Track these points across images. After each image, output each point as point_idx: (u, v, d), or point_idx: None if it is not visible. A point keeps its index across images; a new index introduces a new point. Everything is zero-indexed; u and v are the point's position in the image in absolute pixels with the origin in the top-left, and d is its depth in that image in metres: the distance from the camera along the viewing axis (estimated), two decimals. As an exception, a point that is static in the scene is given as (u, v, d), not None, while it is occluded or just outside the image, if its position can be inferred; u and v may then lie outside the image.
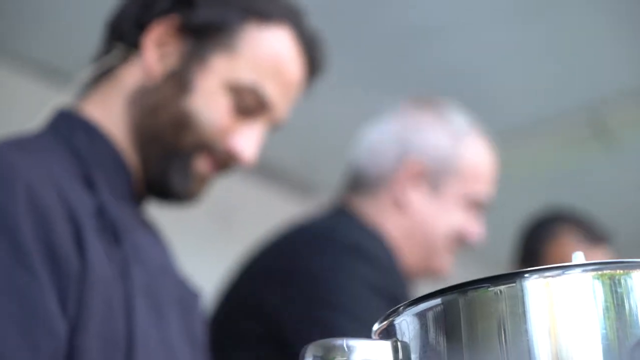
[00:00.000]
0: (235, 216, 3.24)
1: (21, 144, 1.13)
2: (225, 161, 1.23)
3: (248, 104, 1.21)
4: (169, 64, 1.21)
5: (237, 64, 1.21)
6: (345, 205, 1.69)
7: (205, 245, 3.06)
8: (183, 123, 1.19)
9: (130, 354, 1.05)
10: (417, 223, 1.68)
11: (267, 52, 1.23)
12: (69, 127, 1.19)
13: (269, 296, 1.47)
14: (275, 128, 1.28)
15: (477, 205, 1.72)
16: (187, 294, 1.24)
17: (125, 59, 1.23)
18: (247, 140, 1.22)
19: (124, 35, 1.23)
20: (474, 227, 1.72)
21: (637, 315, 0.55)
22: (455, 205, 1.70)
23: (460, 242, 1.72)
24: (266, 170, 3.24)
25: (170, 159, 1.20)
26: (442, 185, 1.69)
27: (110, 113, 1.21)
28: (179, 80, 1.20)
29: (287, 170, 3.36)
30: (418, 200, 1.68)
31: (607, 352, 0.53)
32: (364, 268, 1.48)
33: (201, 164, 1.21)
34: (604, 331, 0.54)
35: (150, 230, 1.25)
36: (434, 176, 1.69)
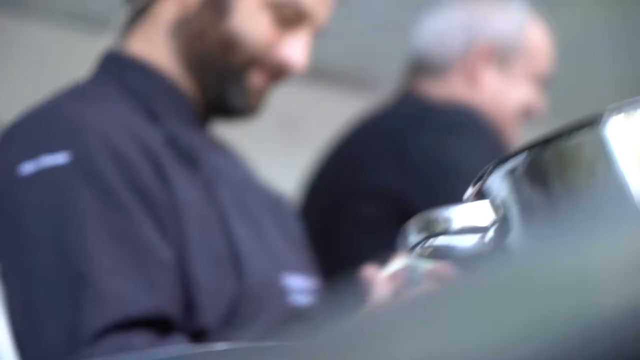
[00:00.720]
0: (300, 125, 3.27)
1: (80, 93, 1.17)
2: (278, 73, 1.25)
3: (288, 16, 1.23)
4: None
5: None
6: (412, 91, 1.76)
7: (273, 155, 3.10)
8: (229, 44, 1.21)
9: (237, 265, 1.10)
10: (489, 99, 1.76)
11: None
12: (120, 68, 1.23)
13: (386, 178, 1.56)
14: (319, 34, 1.30)
15: (540, 81, 1.82)
16: (274, 199, 1.28)
17: None
18: (295, 49, 1.24)
19: None
20: (538, 100, 1.82)
21: None
22: (522, 81, 1.79)
23: (526, 115, 1.81)
24: (322, 74, 3.24)
25: (225, 79, 1.23)
26: (511, 63, 1.78)
27: (156, 47, 1.24)
28: (217, 4, 1.21)
29: (342, 71, 3.35)
30: (489, 77, 1.77)
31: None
32: (471, 143, 1.57)
33: (256, 79, 1.24)
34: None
35: (223, 149, 1.29)
36: (503, 56, 1.78)
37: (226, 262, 1.10)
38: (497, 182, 0.59)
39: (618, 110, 0.56)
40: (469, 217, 0.59)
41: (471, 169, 1.49)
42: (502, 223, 0.58)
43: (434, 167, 1.53)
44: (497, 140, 1.61)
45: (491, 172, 0.59)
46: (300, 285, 1.19)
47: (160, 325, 1.00)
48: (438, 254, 0.59)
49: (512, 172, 0.58)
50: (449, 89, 1.74)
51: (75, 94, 1.17)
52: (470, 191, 0.61)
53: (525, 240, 0.56)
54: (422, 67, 1.78)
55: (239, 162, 1.31)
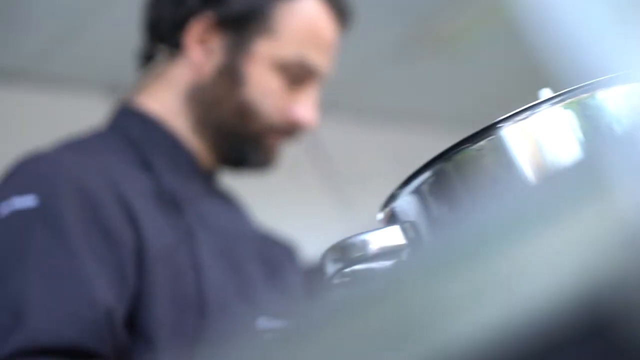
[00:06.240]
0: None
1: (75, 142, 1.25)
2: (291, 132, 1.31)
3: (298, 75, 1.28)
4: (216, 59, 1.28)
5: (278, 44, 1.27)
6: None
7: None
8: (245, 113, 1.27)
9: (202, 310, 1.14)
10: None
11: (303, 23, 1.29)
12: (125, 119, 1.30)
13: None
14: (324, 82, 1.35)
15: None
16: (268, 249, 1.33)
17: (170, 58, 1.31)
18: (307, 108, 1.30)
19: (163, 37, 1.31)
20: None
21: (612, 131, 0.57)
22: None
23: None
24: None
25: (242, 143, 1.30)
26: None
27: (167, 105, 1.30)
28: (230, 74, 1.27)
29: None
30: None
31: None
32: None
33: (272, 140, 1.30)
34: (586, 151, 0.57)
35: (223, 199, 1.34)
36: None
37: (191, 305, 1.14)
38: (405, 205, 0.59)
39: (512, 120, 0.58)
40: (383, 241, 0.59)
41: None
42: (414, 245, 0.58)
43: None
44: None
45: (397, 195, 0.60)
46: (274, 327, 1.20)
47: (77, 358, 1.05)
48: (356, 281, 0.60)
49: (417, 192, 0.59)
50: None
51: (70, 143, 1.24)
52: (380, 216, 0.62)
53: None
54: None
55: (237, 211, 1.36)
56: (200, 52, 1.28)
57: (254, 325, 1.18)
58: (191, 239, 1.19)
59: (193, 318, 1.14)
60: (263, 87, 1.27)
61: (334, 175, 3.35)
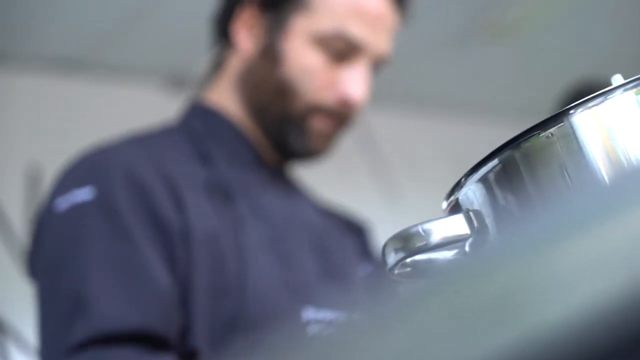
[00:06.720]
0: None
1: (139, 139, 1.29)
2: (341, 112, 1.28)
3: (339, 49, 1.26)
4: (258, 41, 1.29)
5: (314, 18, 1.26)
6: None
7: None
8: (284, 91, 1.26)
9: (242, 297, 1.15)
10: None
11: None
12: (191, 114, 1.34)
13: None
14: (382, 64, 1.32)
15: None
16: (328, 240, 1.31)
17: (226, 50, 1.34)
18: (352, 82, 1.27)
19: (222, 30, 1.34)
20: None
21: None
22: None
23: None
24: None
25: (285, 125, 1.28)
26: None
27: (226, 96, 1.33)
28: (270, 53, 1.28)
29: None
30: None
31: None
32: None
33: (318, 123, 1.28)
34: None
35: (289, 189, 1.34)
36: None
37: (230, 293, 1.15)
38: (470, 193, 0.57)
39: (584, 106, 0.56)
40: (446, 230, 0.57)
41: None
42: (478, 235, 0.56)
43: None
44: None
45: (463, 183, 0.58)
46: (321, 318, 1.21)
47: (147, 343, 1.07)
48: (417, 272, 0.58)
49: (483, 181, 0.57)
50: None
51: (134, 138, 1.28)
52: (445, 205, 0.60)
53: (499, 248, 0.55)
54: None
55: (303, 202, 1.35)
56: (246, 38, 1.30)
57: (299, 316, 1.17)
58: (238, 227, 1.19)
59: (231, 305, 1.14)
60: (301, 64, 1.26)
61: (384, 168, 3.32)
